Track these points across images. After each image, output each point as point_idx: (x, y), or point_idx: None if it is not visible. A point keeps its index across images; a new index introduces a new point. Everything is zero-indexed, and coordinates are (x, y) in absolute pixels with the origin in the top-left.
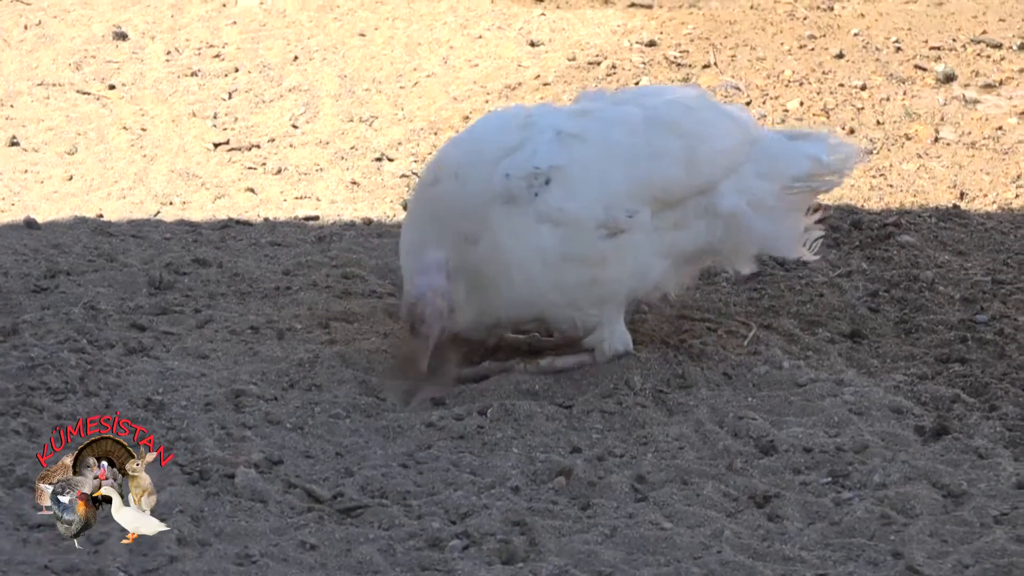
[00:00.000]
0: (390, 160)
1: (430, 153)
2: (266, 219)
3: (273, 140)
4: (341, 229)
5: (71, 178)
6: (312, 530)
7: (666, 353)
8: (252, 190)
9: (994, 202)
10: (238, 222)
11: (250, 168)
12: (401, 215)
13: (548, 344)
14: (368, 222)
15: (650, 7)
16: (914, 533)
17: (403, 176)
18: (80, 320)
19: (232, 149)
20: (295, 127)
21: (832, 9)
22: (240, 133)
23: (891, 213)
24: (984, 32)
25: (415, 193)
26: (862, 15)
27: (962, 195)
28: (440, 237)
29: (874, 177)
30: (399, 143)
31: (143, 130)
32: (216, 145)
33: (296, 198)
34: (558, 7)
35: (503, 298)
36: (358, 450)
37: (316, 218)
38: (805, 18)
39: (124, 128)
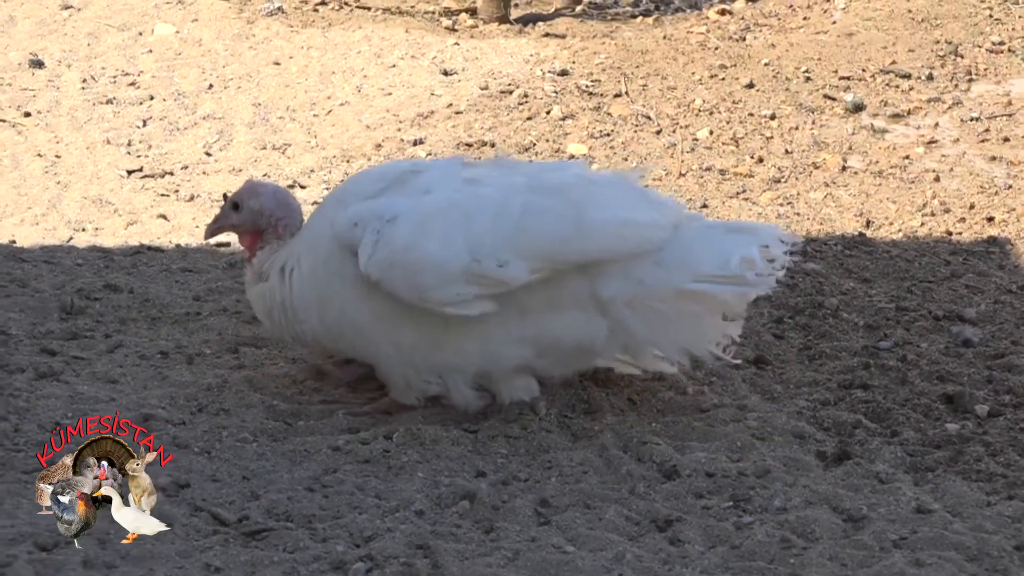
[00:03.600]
0: (302, 187)
1: (342, 180)
2: (178, 245)
3: (186, 167)
4: None
5: None
6: (217, 553)
7: (571, 379)
8: (164, 216)
9: (899, 230)
10: (150, 248)
11: (163, 195)
12: None
13: None
14: None
15: (563, 37)
16: (813, 557)
17: (315, 203)
18: None
19: (145, 176)
20: (208, 155)
21: (744, 40)
22: (154, 160)
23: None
24: (893, 63)
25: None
26: (773, 45)
27: (868, 223)
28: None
29: (781, 205)
30: (311, 170)
31: (57, 157)
32: (129, 172)
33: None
34: (472, 36)
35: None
36: (264, 474)
37: (227, 244)
38: (716, 48)
39: (39, 155)
